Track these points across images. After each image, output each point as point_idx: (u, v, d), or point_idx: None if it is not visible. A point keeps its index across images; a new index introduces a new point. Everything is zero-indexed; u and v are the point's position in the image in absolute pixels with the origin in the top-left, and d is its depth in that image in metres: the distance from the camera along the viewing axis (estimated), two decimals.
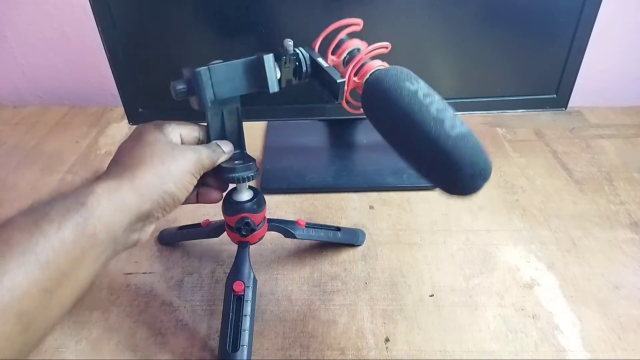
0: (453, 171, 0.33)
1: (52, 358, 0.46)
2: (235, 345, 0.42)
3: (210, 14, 0.56)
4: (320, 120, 0.76)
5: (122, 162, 0.36)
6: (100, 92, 0.91)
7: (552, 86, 0.64)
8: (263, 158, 0.74)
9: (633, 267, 0.55)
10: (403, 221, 0.62)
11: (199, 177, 0.39)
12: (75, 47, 0.86)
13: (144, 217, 0.35)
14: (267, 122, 0.82)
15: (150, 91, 0.62)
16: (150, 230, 0.38)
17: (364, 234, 0.60)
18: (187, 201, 0.44)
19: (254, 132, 0.80)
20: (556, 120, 0.84)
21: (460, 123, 0.34)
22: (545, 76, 0.63)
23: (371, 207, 0.65)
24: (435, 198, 0.66)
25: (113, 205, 0.33)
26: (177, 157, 0.37)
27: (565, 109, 0.66)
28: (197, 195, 0.44)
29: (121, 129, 0.84)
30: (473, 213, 0.64)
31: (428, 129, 0.34)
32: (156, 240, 0.60)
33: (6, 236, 0.28)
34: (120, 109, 0.76)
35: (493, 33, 0.59)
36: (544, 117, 0.85)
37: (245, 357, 0.42)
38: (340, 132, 0.78)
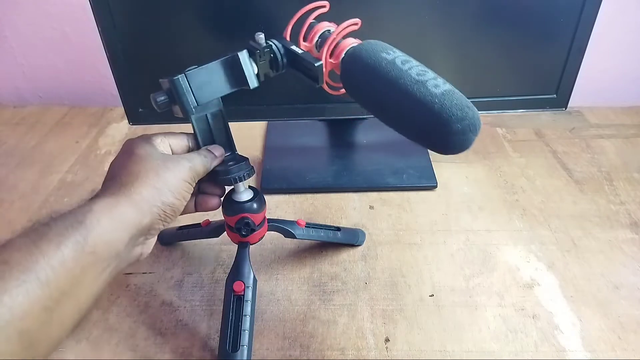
0: (444, 128, 0.34)
1: (52, 358, 0.46)
2: (235, 345, 0.42)
3: (209, 14, 0.56)
4: (320, 120, 0.76)
5: (117, 179, 0.36)
6: (100, 92, 0.91)
7: (552, 86, 0.64)
8: (263, 158, 0.74)
9: (633, 267, 0.55)
10: (403, 221, 0.62)
11: (194, 185, 0.39)
12: (75, 47, 0.86)
13: (145, 231, 0.36)
14: (267, 122, 0.82)
15: (151, 91, 0.61)
16: (152, 243, 0.38)
17: (364, 234, 0.60)
18: (185, 210, 0.44)
19: (254, 132, 0.80)
20: (556, 120, 0.84)
21: (443, 82, 0.35)
22: (545, 76, 0.63)
23: (371, 207, 0.65)
24: (435, 198, 0.66)
25: (112, 222, 0.33)
26: (171, 167, 0.37)
27: (565, 109, 0.66)
28: (195, 204, 0.44)
29: (121, 129, 0.84)
30: (473, 213, 0.64)
31: (413, 93, 0.34)
32: (156, 240, 0.59)
33: (6, 256, 0.28)
34: (120, 109, 0.76)
35: (493, 33, 0.59)
36: (544, 117, 0.85)
37: (245, 357, 0.42)
38: (340, 132, 0.78)
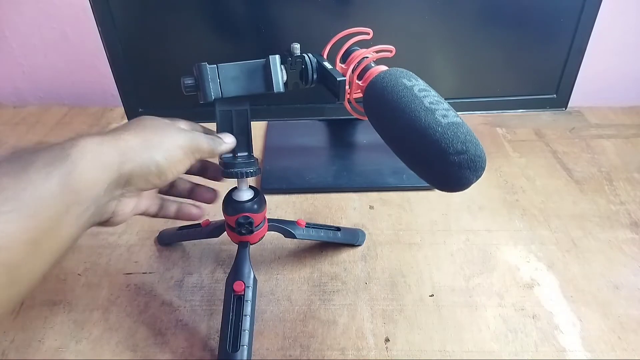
0: (440, 158, 0.32)
1: (52, 358, 0.46)
2: (235, 345, 0.42)
3: (210, 15, 0.56)
4: (320, 120, 0.76)
5: (115, 129, 0.36)
6: (100, 92, 0.91)
7: (552, 86, 0.64)
8: (263, 158, 0.74)
9: (633, 267, 0.55)
10: (403, 221, 0.62)
11: (192, 160, 0.38)
12: (75, 47, 0.86)
13: (124, 181, 0.34)
14: (267, 122, 0.82)
15: (150, 91, 0.62)
16: (128, 208, 0.37)
17: (364, 234, 0.60)
18: (179, 194, 0.45)
19: (254, 132, 0.78)
20: (556, 120, 0.84)
21: (454, 115, 0.34)
22: (545, 76, 0.63)
23: (371, 207, 0.65)
24: (435, 198, 0.66)
25: (95, 161, 0.32)
26: (172, 131, 0.37)
27: (565, 109, 0.66)
28: (191, 192, 0.45)
29: None
30: (473, 213, 0.64)
31: (418, 118, 0.33)
32: (156, 240, 0.60)
33: None
34: (120, 109, 0.76)
35: (493, 33, 0.59)
36: (544, 117, 0.85)
37: (245, 357, 0.42)
38: (340, 132, 0.78)
